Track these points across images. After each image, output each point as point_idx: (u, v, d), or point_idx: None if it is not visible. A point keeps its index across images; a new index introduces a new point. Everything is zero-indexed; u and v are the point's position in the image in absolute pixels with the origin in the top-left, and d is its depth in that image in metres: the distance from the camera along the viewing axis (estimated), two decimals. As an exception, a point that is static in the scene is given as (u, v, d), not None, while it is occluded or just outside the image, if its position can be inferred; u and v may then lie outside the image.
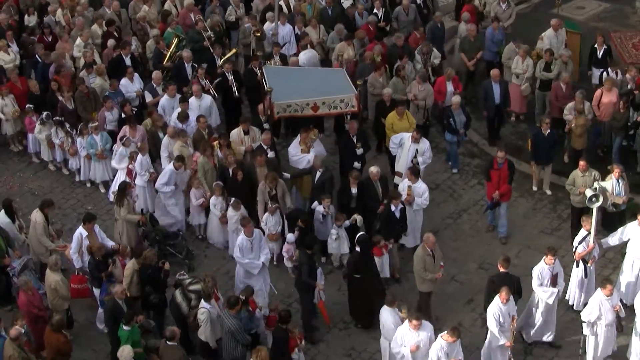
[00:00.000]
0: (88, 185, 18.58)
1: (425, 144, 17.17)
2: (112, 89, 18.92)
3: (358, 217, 15.98)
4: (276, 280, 15.86)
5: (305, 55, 19.82)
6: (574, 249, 14.99)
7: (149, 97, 19.03)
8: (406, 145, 17.01)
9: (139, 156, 17.02)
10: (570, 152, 18.34)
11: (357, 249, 15.06)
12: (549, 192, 18.07)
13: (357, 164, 17.14)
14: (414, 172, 16.31)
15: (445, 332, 13.06)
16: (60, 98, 18.75)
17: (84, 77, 19.32)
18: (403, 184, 16.35)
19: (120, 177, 17.39)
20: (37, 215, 15.51)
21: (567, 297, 15.28)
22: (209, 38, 20.26)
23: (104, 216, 17.43)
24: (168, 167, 16.64)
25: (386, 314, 13.77)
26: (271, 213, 15.93)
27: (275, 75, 17.99)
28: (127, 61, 19.65)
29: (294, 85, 17.73)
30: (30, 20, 21.65)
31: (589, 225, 14.73)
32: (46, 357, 13.74)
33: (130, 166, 17.25)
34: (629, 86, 18.49)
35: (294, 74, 18.72)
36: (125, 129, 17.73)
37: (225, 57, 19.64)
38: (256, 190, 16.25)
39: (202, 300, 13.84)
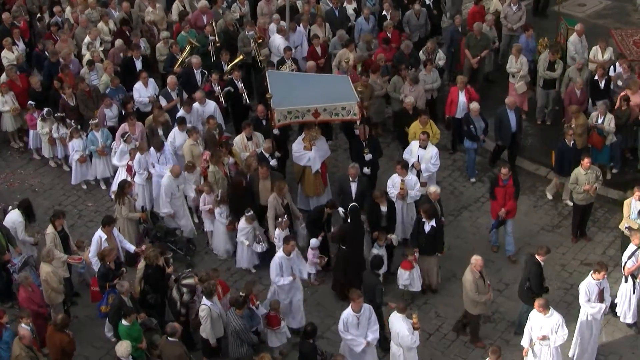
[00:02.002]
0: (84, 186, 18.48)
1: (432, 150, 16.85)
2: (113, 85, 18.89)
3: (393, 237, 15.58)
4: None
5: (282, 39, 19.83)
6: (622, 264, 14.56)
7: (163, 102, 18.70)
8: (414, 151, 16.80)
9: (137, 155, 16.98)
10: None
11: (348, 220, 14.95)
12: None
13: (366, 170, 16.94)
14: (404, 165, 16.18)
15: (488, 358, 12.94)
16: (62, 95, 18.74)
17: (85, 74, 19.31)
18: (393, 179, 16.16)
19: (121, 174, 17.36)
20: (48, 228, 15.27)
21: (616, 310, 14.93)
22: (213, 42, 20.08)
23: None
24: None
25: (399, 322, 13.42)
26: (282, 229, 15.43)
27: (278, 81, 17.53)
28: (139, 64, 19.55)
29: (295, 91, 17.27)
30: (44, 17, 21.66)
31: (638, 240, 14.35)
32: (49, 355, 13.72)
33: (130, 163, 17.24)
34: None
35: (297, 79, 18.26)
36: (125, 126, 17.70)
37: (233, 63, 19.44)
38: (256, 199, 15.88)
39: (204, 297, 13.82)
